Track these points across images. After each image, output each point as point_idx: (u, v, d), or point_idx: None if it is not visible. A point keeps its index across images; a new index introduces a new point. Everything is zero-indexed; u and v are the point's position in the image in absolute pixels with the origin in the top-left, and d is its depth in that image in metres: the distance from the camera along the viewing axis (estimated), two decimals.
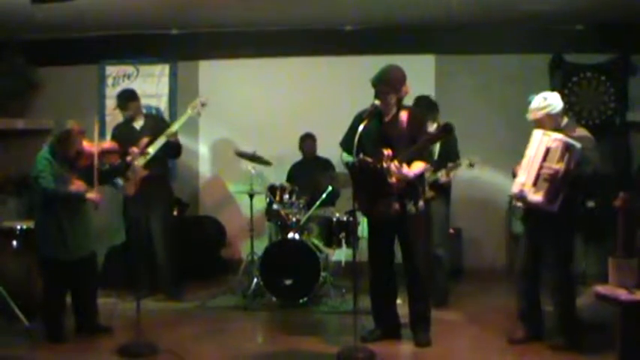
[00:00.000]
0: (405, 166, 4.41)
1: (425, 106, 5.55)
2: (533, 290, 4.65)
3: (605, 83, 7.21)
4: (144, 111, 6.44)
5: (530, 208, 4.52)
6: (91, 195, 4.80)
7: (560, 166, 4.26)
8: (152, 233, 6.08)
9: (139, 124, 6.17)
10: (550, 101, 4.46)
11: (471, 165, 5.60)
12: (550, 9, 6.36)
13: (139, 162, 5.84)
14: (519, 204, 4.67)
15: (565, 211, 4.35)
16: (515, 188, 4.50)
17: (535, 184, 4.37)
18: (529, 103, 4.56)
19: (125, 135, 6.00)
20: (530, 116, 4.52)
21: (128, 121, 6.21)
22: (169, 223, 6.21)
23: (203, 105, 6.02)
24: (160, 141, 5.90)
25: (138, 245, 5.90)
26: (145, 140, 5.83)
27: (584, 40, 7.15)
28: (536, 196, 4.36)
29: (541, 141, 4.39)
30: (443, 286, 5.80)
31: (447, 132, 4.33)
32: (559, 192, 4.30)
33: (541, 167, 4.34)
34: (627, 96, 7.19)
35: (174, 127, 5.99)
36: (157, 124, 6.15)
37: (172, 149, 6.10)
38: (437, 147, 5.57)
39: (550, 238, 4.47)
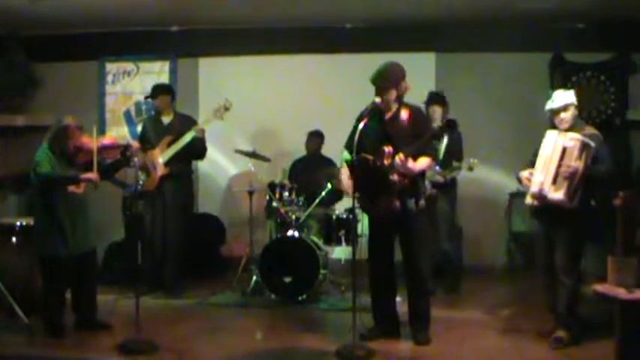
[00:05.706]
0: (410, 160, 4.42)
1: (437, 102, 5.78)
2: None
3: (606, 82, 7.21)
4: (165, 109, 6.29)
5: (545, 206, 4.57)
6: (86, 175, 4.71)
7: (579, 164, 4.37)
8: (167, 230, 6.04)
9: (167, 119, 6.17)
10: (573, 94, 4.62)
11: (471, 169, 5.74)
12: (550, 7, 6.35)
13: (161, 160, 5.88)
14: (535, 202, 4.70)
15: (581, 210, 4.46)
16: (534, 187, 4.57)
17: (554, 182, 4.45)
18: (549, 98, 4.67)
19: (151, 127, 6.13)
20: (556, 105, 4.56)
21: (157, 115, 6.25)
22: (186, 222, 6.16)
23: (227, 109, 5.99)
24: (187, 137, 5.90)
25: (145, 242, 5.88)
26: (168, 139, 5.86)
27: (585, 39, 7.14)
28: (557, 194, 4.44)
29: (556, 141, 4.50)
30: (455, 277, 6.20)
31: (448, 127, 4.35)
32: (578, 189, 4.43)
33: (559, 166, 4.43)
34: (627, 95, 7.19)
35: (201, 125, 6.00)
36: (185, 123, 6.11)
37: (198, 148, 6.08)
38: (442, 146, 5.67)
39: (563, 234, 4.55)
